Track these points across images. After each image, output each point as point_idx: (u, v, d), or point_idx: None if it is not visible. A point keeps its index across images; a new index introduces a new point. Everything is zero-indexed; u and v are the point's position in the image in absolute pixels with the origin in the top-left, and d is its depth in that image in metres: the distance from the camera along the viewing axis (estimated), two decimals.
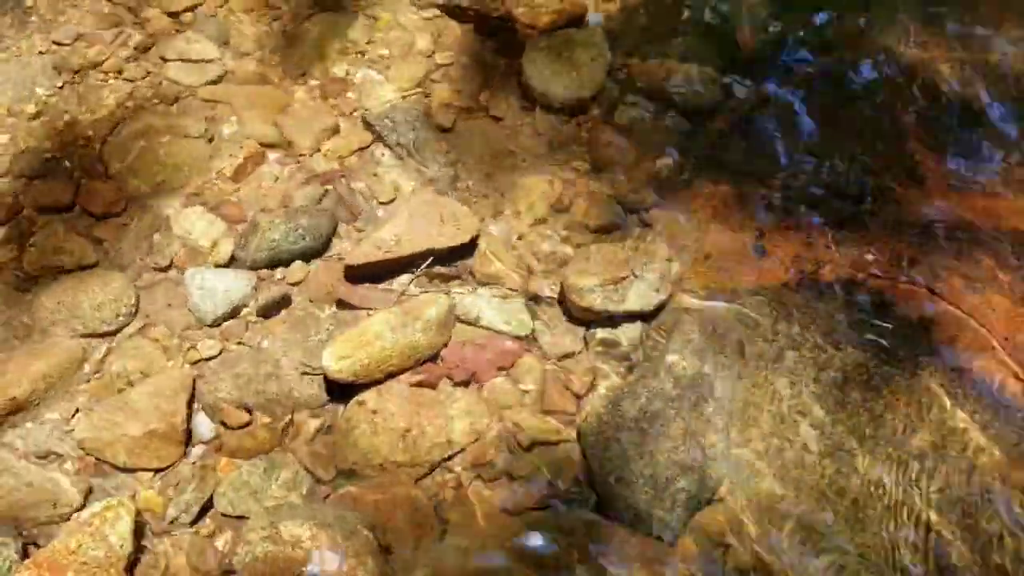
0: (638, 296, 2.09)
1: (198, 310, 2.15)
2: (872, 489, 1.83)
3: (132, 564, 1.74)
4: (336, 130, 2.50)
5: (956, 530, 1.78)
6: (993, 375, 1.97)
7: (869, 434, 1.90)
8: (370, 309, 2.14)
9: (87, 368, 2.06)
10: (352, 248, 2.24)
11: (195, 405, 2.01)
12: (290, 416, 2.01)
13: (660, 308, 2.10)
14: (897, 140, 2.41)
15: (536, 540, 1.79)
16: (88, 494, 1.88)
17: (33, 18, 2.72)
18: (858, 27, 2.71)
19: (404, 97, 2.57)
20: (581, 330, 2.12)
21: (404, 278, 2.20)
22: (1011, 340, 2.01)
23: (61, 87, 2.56)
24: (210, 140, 2.46)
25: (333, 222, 2.30)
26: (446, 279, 2.21)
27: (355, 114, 2.54)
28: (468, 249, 2.24)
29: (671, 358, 2.01)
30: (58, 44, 2.65)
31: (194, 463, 1.95)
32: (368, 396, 1.99)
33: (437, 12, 2.77)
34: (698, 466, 1.85)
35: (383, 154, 2.46)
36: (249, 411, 2.01)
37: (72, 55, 2.62)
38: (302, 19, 2.76)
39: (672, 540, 1.79)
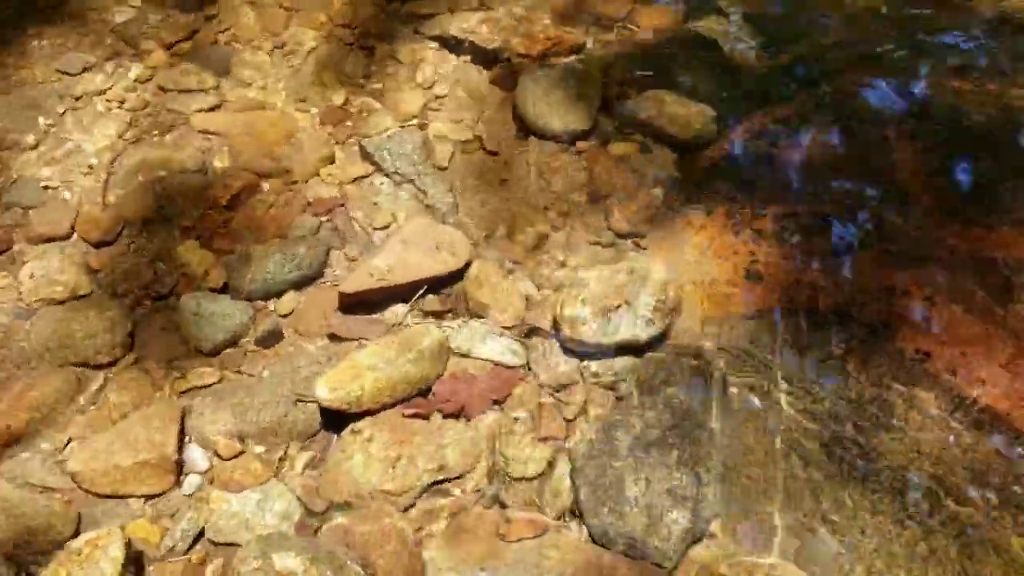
0: (632, 326, 2.08)
1: (194, 339, 2.15)
2: (865, 526, 1.81)
3: None
4: (333, 159, 2.52)
5: (958, 562, 1.76)
6: (990, 404, 1.96)
7: (863, 467, 1.89)
8: (362, 339, 2.14)
9: (82, 399, 2.06)
10: (346, 276, 2.24)
11: (187, 436, 2.01)
12: (286, 446, 2.01)
13: (654, 337, 2.09)
14: (893, 169, 2.41)
15: (528, 571, 1.78)
16: (79, 523, 1.87)
17: (38, 43, 2.76)
18: (854, 59, 2.73)
19: (402, 127, 2.59)
20: (575, 360, 2.11)
21: (398, 307, 2.20)
22: (1007, 368, 2.00)
23: (63, 113, 2.59)
24: (205, 169, 2.48)
25: (328, 251, 2.31)
26: (440, 309, 2.21)
27: (352, 142, 2.56)
28: (462, 277, 2.24)
29: (663, 389, 2.00)
30: (63, 73, 2.69)
31: (189, 494, 1.94)
32: (362, 425, 1.98)
33: (435, 44, 2.79)
34: (692, 498, 1.84)
35: (381, 183, 2.47)
36: (243, 441, 2.00)
37: (75, 84, 2.65)
38: (301, 49, 2.79)
39: (670, 568, 1.77)
